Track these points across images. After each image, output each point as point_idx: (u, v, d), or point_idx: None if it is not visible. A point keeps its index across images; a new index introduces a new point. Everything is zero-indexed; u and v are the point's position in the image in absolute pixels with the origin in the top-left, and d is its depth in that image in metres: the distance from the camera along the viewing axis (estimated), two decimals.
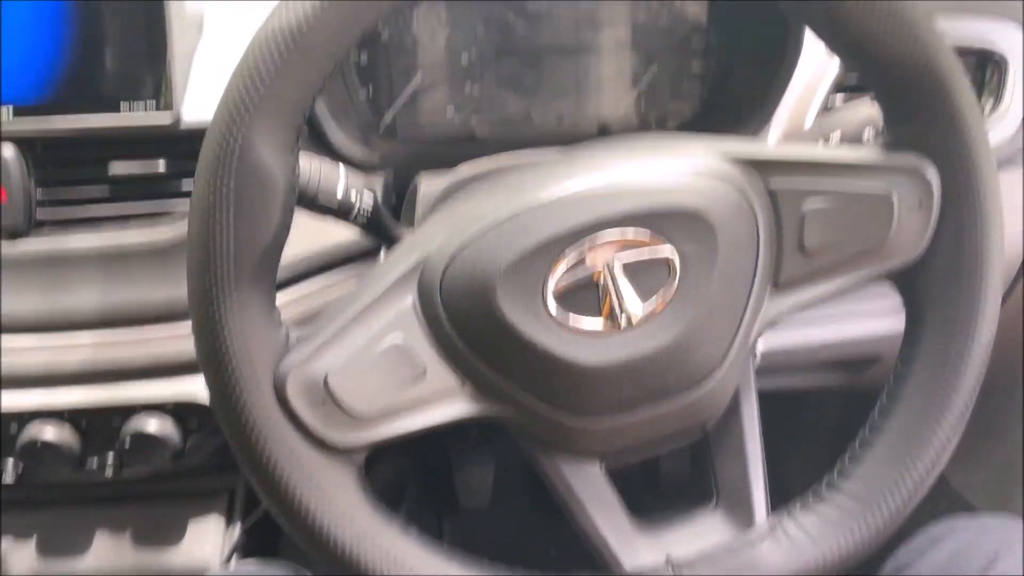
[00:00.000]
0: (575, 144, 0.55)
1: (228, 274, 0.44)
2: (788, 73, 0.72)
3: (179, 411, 0.71)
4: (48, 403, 0.70)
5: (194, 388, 0.70)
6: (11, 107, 0.64)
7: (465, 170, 0.58)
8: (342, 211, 0.56)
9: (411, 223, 0.58)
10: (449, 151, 0.79)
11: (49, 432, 0.69)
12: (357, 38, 0.45)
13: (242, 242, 0.44)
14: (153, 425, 0.70)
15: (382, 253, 0.67)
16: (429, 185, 0.58)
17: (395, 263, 0.49)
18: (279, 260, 0.47)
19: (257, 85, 0.43)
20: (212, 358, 0.45)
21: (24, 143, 0.65)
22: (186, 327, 0.68)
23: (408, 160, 0.75)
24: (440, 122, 0.79)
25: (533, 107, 0.80)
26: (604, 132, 0.81)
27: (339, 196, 0.55)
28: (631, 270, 0.47)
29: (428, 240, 0.49)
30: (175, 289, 0.68)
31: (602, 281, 0.47)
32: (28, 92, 0.64)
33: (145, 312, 0.68)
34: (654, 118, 0.81)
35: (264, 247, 0.45)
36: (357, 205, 0.56)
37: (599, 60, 0.79)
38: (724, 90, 0.80)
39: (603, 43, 0.79)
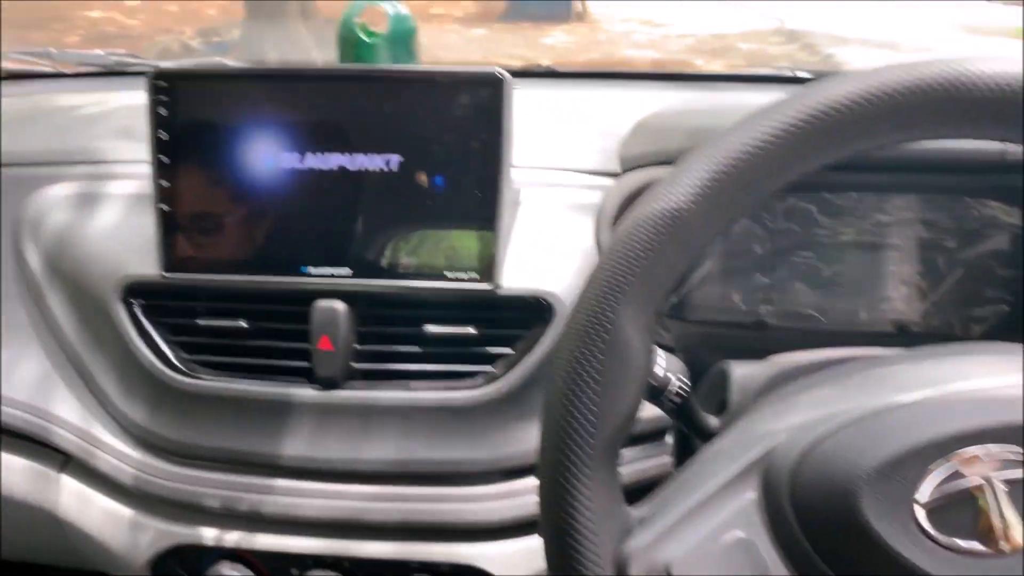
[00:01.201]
0: (875, 342, 0.53)
1: (585, 448, 0.44)
2: None
3: (454, 575, 0.71)
4: (332, 550, 0.72)
5: (474, 553, 0.69)
6: (350, 268, 0.70)
7: (786, 360, 0.56)
8: (654, 391, 0.55)
9: (715, 410, 0.57)
10: (737, 336, 0.78)
11: None
12: (727, 225, 0.46)
13: (602, 418, 0.44)
14: None
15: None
16: (744, 373, 0.57)
17: (735, 453, 0.47)
18: (627, 437, 0.47)
19: (632, 267, 0.44)
20: (558, 529, 0.44)
21: (353, 299, 0.71)
22: (476, 490, 0.69)
23: (695, 342, 0.75)
24: (729, 307, 0.79)
25: (827, 301, 0.78)
26: (903, 332, 0.77)
27: (659, 375, 0.54)
28: (1015, 489, 0.43)
29: (770, 433, 0.47)
30: (473, 451, 0.70)
31: (981, 497, 0.43)
32: (365, 256, 0.70)
33: (441, 470, 0.70)
34: (958, 322, 0.77)
35: (619, 424, 0.45)
36: (670, 387, 0.55)
37: (901, 258, 0.77)
38: None
39: (906, 241, 0.77)
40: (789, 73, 1.00)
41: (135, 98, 1.03)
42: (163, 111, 0.70)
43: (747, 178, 0.44)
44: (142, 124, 0.91)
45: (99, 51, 1.33)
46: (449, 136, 0.68)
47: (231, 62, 1.33)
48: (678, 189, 0.44)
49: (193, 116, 0.70)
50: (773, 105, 0.44)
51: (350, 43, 0.84)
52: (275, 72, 0.70)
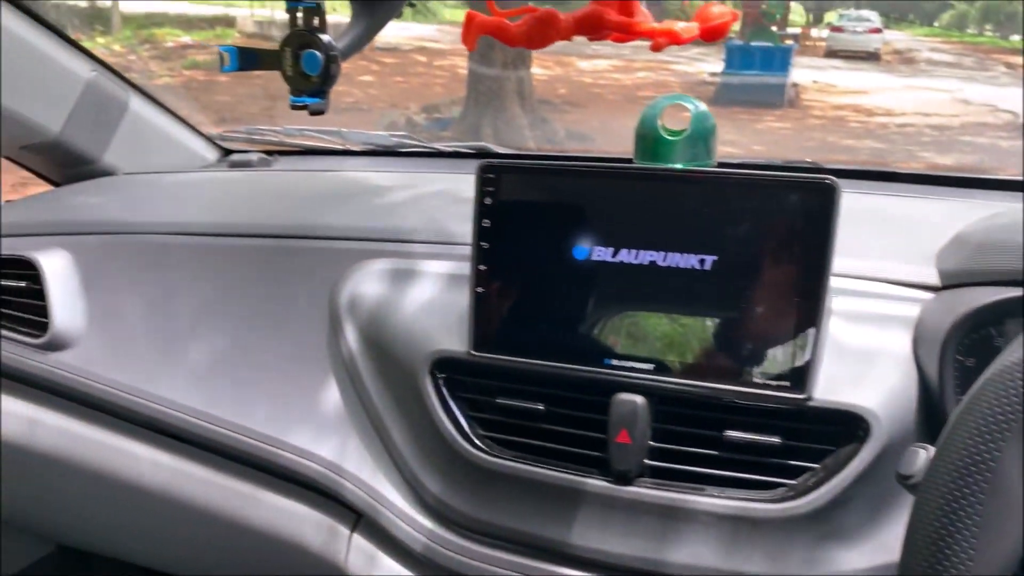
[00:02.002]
0: None
1: None
2: None
3: None
4: None
5: None
6: (652, 364, 0.70)
7: None
8: None
9: None
10: None
11: None
12: None
13: (979, 563, 0.41)
14: None
15: None
16: None
17: None
18: None
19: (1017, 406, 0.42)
20: None
21: (651, 395, 0.71)
22: None
23: None
24: None
25: None
26: None
27: None
28: None
29: None
30: (770, 567, 0.67)
31: None
32: (669, 354, 0.70)
33: None
34: None
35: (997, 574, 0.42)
36: None
37: None
38: None
39: None
40: None
41: (426, 180, 1.11)
42: (488, 200, 0.74)
43: None
44: (443, 205, 0.98)
45: (381, 132, 1.45)
46: (770, 239, 0.67)
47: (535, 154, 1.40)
48: None
49: (514, 206, 0.74)
50: None
51: (649, 140, 0.86)
52: (597, 169, 0.73)
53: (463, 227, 0.89)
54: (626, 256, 0.71)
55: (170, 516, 0.96)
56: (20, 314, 1.00)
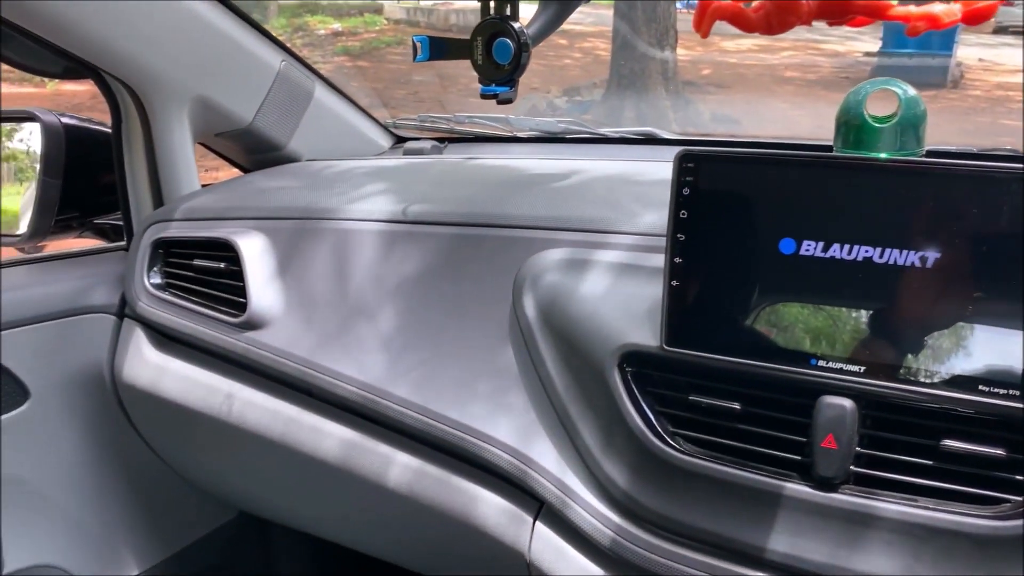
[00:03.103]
0: None
1: None
2: None
3: None
4: None
5: None
6: (863, 366, 0.67)
7: None
8: None
9: None
10: None
11: None
12: None
13: None
14: None
15: None
16: None
17: None
18: None
19: None
20: None
21: (860, 398, 0.67)
22: None
23: None
24: None
25: None
26: None
27: None
28: None
29: None
30: None
31: None
32: (882, 356, 0.66)
33: None
34: None
35: None
36: None
37: None
38: None
39: None
40: None
41: (598, 168, 1.10)
42: (686, 191, 0.72)
43: None
44: (620, 193, 0.97)
45: (547, 119, 1.45)
46: (998, 236, 0.62)
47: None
48: None
49: (714, 197, 0.72)
50: None
51: (853, 127, 0.81)
52: (804, 159, 0.69)
53: (644, 216, 0.88)
54: (838, 251, 0.67)
55: (351, 491, 0.99)
56: (220, 294, 1.06)
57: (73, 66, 1.10)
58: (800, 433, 0.69)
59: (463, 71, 0.99)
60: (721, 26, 0.60)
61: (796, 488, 0.69)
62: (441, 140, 1.43)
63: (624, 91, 6.57)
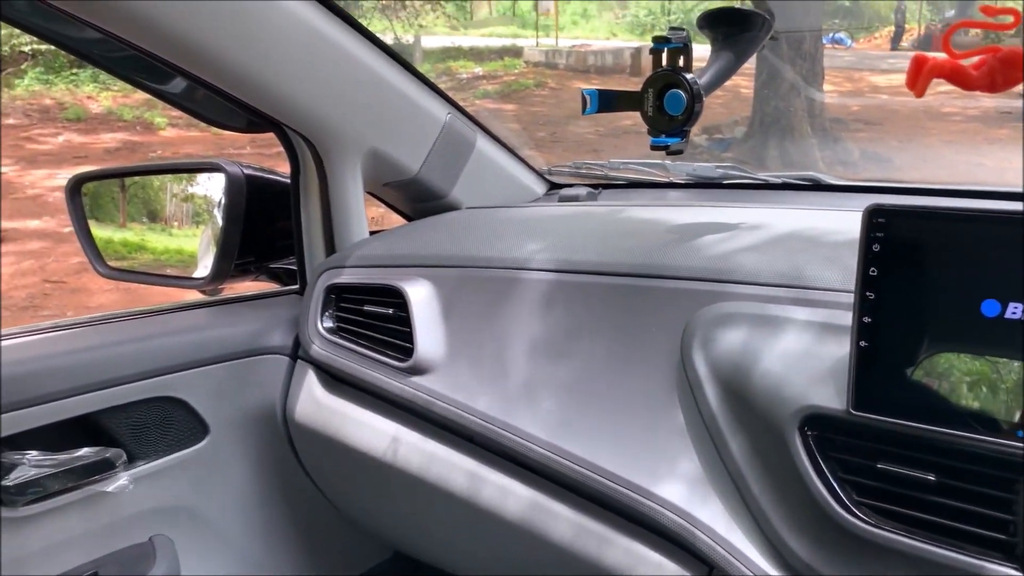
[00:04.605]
0: None
1: None
2: None
3: None
4: None
5: None
6: None
7: None
8: None
9: None
10: None
11: None
12: None
13: None
14: None
15: None
16: None
17: None
18: None
19: None
20: None
21: None
22: None
23: None
24: None
25: None
26: None
27: None
28: None
29: None
30: None
31: None
32: None
33: None
34: None
35: None
36: None
37: None
38: None
39: None
40: None
41: (764, 216, 1.07)
42: (876, 247, 0.69)
43: None
44: (793, 244, 0.93)
45: (706, 164, 1.43)
46: None
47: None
48: None
49: (906, 254, 0.68)
50: None
51: None
52: (1001, 214, 0.65)
53: (820, 270, 0.84)
54: None
55: (508, 540, 0.99)
56: (388, 339, 1.09)
57: (257, 120, 1.17)
58: (1003, 510, 0.64)
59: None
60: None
61: (998, 570, 0.64)
62: (595, 186, 1.43)
63: (767, 129, 6.40)
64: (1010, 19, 0.49)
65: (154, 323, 1.19)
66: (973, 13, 0.56)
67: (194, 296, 1.35)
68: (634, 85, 0.94)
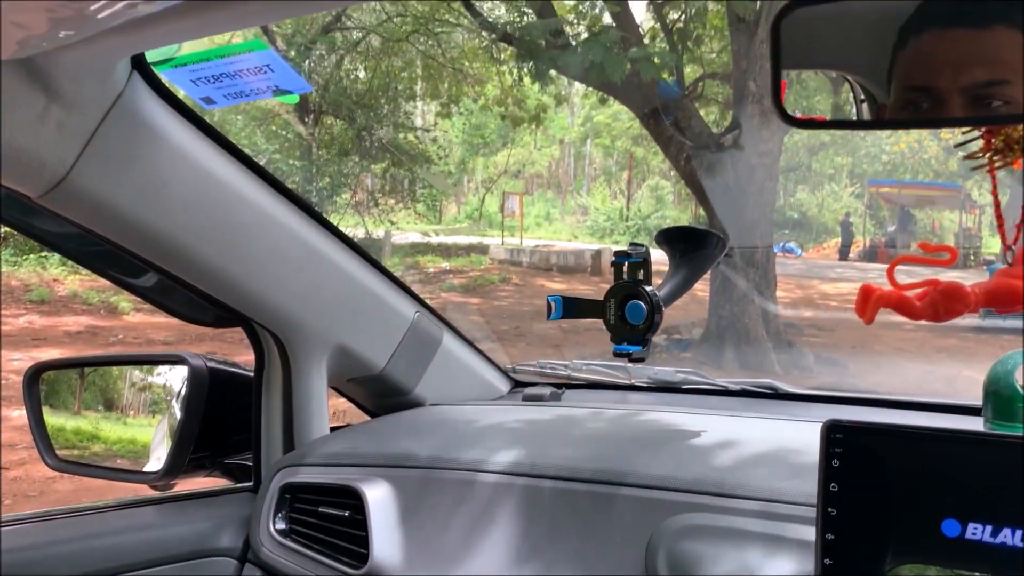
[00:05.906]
0: None
1: None
2: None
3: None
4: None
5: None
6: None
7: None
8: None
9: None
10: None
11: None
12: None
13: None
14: None
15: None
16: None
17: None
18: None
19: None
20: None
21: None
22: None
23: None
24: None
25: None
26: None
27: None
28: None
29: None
30: None
31: None
32: None
33: None
34: None
35: None
36: None
37: None
38: None
39: None
40: None
41: (724, 423, 1.08)
42: (836, 462, 0.70)
43: None
44: (755, 454, 0.94)
45: (667, 368, 1.46)
46: None
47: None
48: None
49: (866, 470, 0.69)
50: None
51: (1004, 399, 0.79)
52: (958, 435, 0.67)
53: (781, 482, 0.85)
54: (1009, 537, 0.63)
55: None
56: (343, 543, 1.05)
57: (225, 315, 1.18)
58: None
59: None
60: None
61: None
62: (559, 386, 1.44)
63: (723, 332, 6.59)
64: (947, 256, 0.53)
65: (97, 521, 1.14)
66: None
67: (143, 491, 1.30)
68: (595, 284, 0.98)
